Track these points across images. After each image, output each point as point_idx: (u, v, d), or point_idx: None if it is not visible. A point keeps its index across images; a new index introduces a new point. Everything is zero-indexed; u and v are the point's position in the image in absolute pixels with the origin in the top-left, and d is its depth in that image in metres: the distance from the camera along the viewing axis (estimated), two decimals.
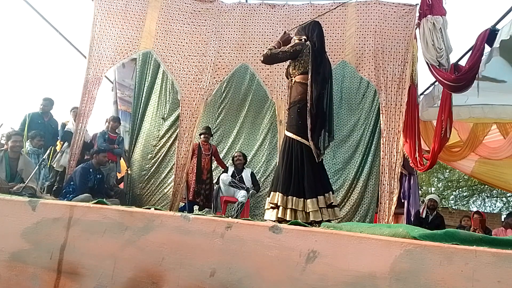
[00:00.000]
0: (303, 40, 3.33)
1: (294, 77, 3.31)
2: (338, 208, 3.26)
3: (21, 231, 1.77)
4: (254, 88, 6.34)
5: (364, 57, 5.19)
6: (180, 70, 5.44)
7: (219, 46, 5.49)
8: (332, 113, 3.40)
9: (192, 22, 5.58)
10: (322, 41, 3.41)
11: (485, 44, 4.40)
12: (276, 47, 3.36)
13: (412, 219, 6.40)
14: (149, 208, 1.86)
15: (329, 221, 3.07)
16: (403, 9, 5.24)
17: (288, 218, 3.01)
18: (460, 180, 13.36)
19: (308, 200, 3.03)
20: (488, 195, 13.79)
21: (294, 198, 3.05)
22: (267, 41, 5.36)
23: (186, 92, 5.39)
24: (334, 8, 5.18)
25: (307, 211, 3.02)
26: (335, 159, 5.90)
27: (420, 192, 10.01)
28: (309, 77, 3.14)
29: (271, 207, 3.17)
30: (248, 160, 5.96)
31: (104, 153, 5.27)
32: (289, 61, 3.42)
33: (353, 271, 1.42)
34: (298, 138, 3.13)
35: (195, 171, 5.63)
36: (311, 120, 3.08)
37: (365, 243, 1.45)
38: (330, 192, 3.19)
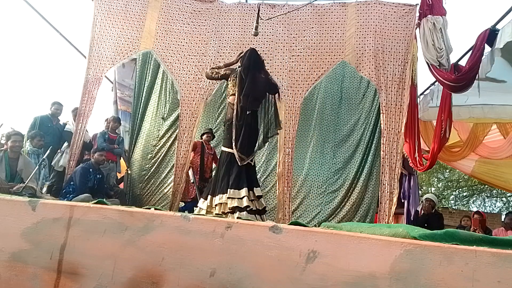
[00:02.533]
0: (236, 67, 3.84)
1: (228, 99, 3.90)
2: (262, 198, 3.87)
3: (21, 231, 1.77)
4: None
5: (364, 57, 5.19)
6: (180, 70, 5.44)
7: (219, 46, 5.48)
8: (270, 125, 3.97)
9: (192, 22, 5.58)
10: (250, 64, 3.82)
11: (485, 44, 4.40)
12: (219, 67, 3.97)
13: (412, 219, 6.40)
14: (149, 208, 1.86)
15: (258, 211, 3.64)
16: (403, 9, 5.24)
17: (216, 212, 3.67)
18: (460, 180, 13.35)
19: (216, 196, 3.63)
20: (488, 195, 13.79)
21: (212, 197, 3.69)
22: (267, 41, 5.37)
23: (186, 92, 5.39)
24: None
25: (214, 204, 3.60)
26: (335, 159, 5.89)
27: (420, 192, 10.01)
28: (236, 97, 3.68)
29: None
30: None
31: (100, 152, 5.25)
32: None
33: (353, 271, 1.42)
34: (226, 149, 3.72)
35: (198, 168, 5.62)
36: (236, 132, 3.63)
37: (365, 243, 1.45)
38: (254, 188, 3.73)
